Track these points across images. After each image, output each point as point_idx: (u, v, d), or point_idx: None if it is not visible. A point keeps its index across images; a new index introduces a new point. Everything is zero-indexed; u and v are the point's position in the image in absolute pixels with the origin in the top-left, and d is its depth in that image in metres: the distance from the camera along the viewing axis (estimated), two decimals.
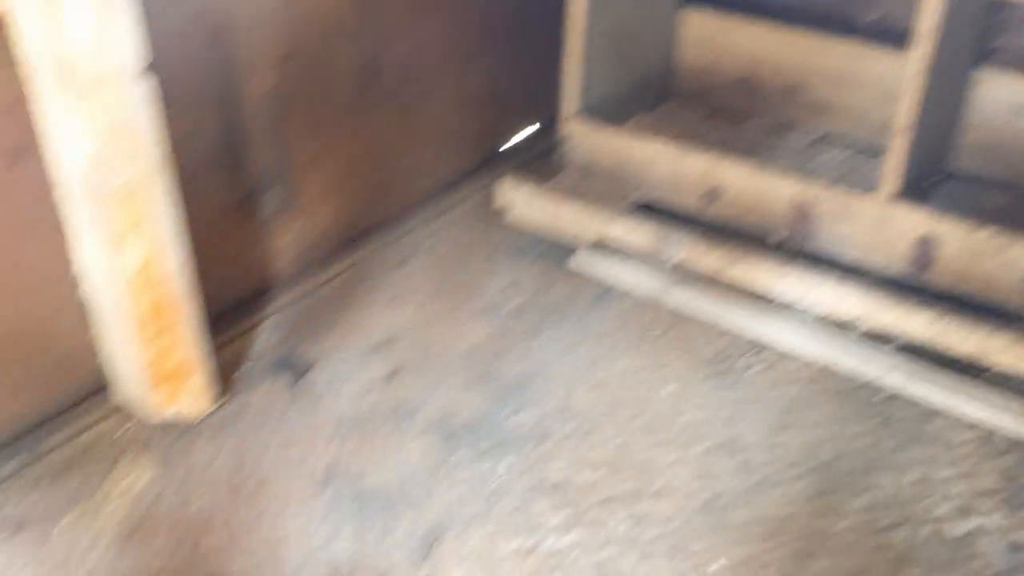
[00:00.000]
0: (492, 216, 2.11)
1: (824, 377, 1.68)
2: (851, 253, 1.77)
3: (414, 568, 1.34)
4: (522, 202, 1.97)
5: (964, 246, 1.64)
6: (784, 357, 1.72)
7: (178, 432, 1.54)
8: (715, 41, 2.28)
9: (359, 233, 2.01)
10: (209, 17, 1.53)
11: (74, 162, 1.32)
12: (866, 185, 1.80)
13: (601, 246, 1.96)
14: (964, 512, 1.42)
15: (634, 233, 1.86)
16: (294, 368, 1.69)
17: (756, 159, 1.91)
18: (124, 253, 1.38)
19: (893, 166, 1.67)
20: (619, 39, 2.08)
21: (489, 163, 2.29)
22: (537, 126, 2.40)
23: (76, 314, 1.49)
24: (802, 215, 1.77)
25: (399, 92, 1.98)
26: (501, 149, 2.33)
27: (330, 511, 1.42)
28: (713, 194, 1.88)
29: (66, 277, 1.45)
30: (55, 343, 1.49)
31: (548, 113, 2.42)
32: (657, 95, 2.33)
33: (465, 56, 2.12)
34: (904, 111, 1.64)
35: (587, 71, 2.01)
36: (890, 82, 2.12)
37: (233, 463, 1.50)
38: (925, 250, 1.67)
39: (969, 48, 1.88)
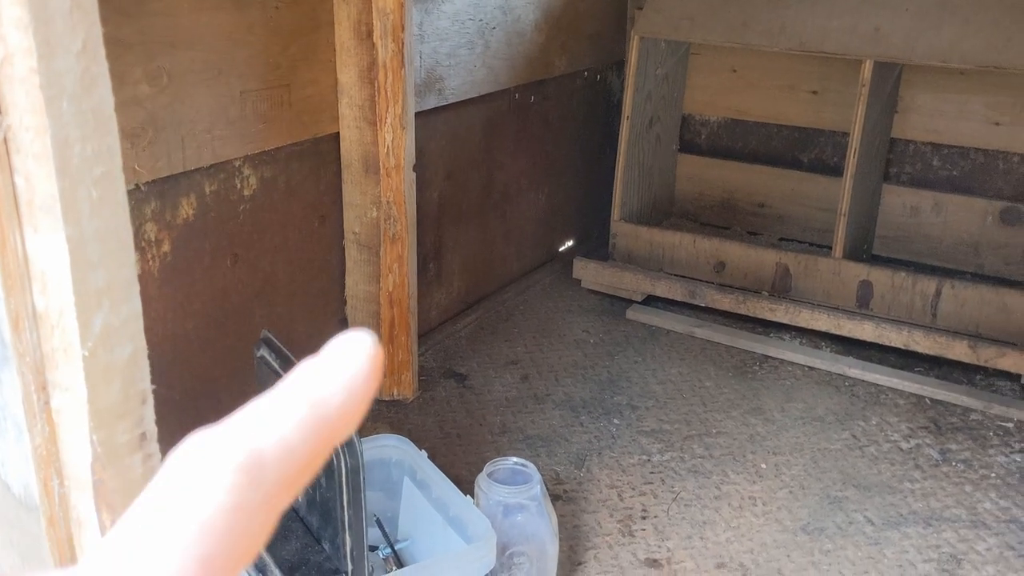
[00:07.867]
0: (563, 290, 2.98)
1: (809, 373, 2.54)
2: (815, 296, 2.68)
3: (576, 471, 2.09)
4: (591, 273, 2.84)
5: (888, 285, 2.57)
6: (782, 362, 2.58)
7: (398, 407, 2.29)
8: (702, 175, 3.27)
9: (474, 299, 2.84)
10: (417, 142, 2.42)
11: (361, 221, 2.15)
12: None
13: (647, 302, 2.82)
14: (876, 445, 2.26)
15: (672, 290, 2.74)
16: (456, 376, 2.47)
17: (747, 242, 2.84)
18: (381, 282, 2.19)
19: (840, 237, 2.62)
20: (641, 173, 3.04)
21: (551, 259, 3.18)
22: (572, 242, 3.32)
23: (338, 326, 2.27)
24: (783, 273, 2.68)
25: (499, 205, 2.88)
26: (559, 250, 3.23)
27: (509, 447, 2.18)
28: (720, 266, 2.79)
29: (337, 300, 2.24)
30: (320, 345, 2.24)
31: (581, 230, 3.35)
32: (663, 214, 3.28)
33: (534, 185, 3.04)
34: (844, 201, 2.61)
35: (624, 192, 2.95)
36: (826, 200, 3.12)
37: (438, 425, 2.25)
38: (865, 290, 2.59)
39: (878, 171, 2.89)
